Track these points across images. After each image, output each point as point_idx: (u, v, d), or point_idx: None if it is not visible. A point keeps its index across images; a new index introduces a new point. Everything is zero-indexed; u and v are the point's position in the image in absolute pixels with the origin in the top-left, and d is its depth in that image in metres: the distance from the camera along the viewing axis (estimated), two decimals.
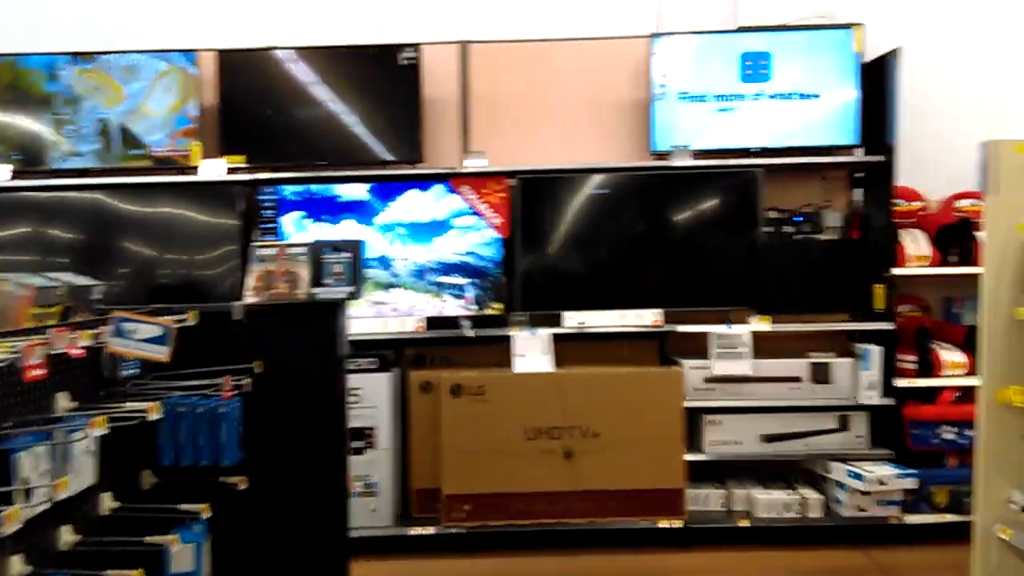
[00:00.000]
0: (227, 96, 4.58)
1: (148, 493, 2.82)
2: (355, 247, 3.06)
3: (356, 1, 4.92)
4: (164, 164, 4.59)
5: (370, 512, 4.47)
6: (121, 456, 2.64)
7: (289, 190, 4.57)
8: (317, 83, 4.60)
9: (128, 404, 2.41)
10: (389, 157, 4.62)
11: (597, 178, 4.57)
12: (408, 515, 4.54)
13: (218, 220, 4.53)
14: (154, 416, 2.38)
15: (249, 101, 4.60)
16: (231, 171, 4.52)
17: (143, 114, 4.60)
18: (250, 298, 3.08)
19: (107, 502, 2.57)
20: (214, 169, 4.48)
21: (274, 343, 3.00)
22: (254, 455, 2.89)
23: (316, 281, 3.04)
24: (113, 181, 4.54)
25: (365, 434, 4.46)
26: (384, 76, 4.61)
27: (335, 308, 3.01)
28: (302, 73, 4.60)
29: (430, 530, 4.42)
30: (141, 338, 2.45)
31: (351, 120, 4.61)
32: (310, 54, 4.60)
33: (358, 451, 4.45)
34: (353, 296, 3.05)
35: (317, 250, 3.07)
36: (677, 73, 4.58)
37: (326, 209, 4.58)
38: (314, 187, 4.57)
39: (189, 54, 4.59)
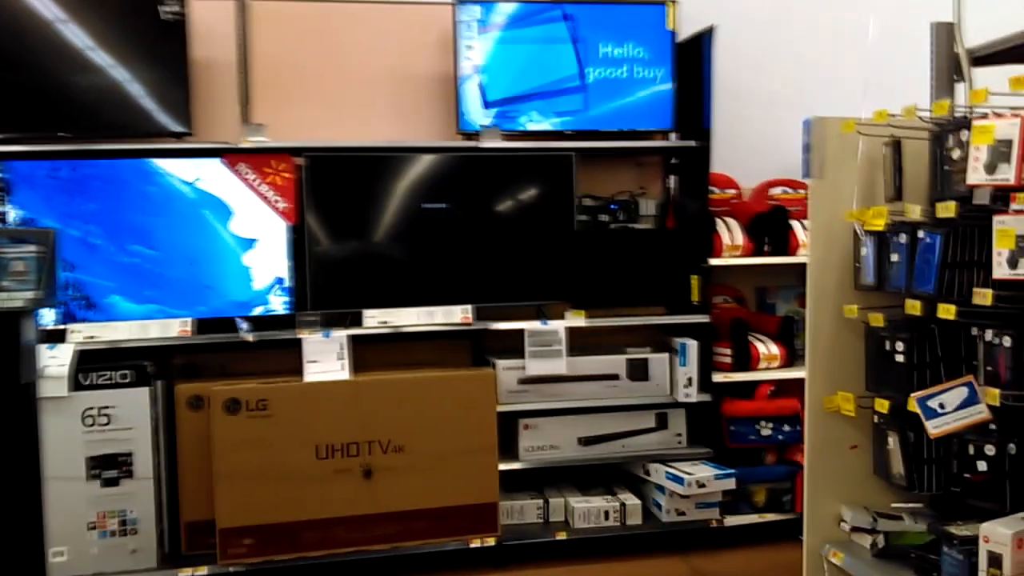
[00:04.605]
0: None
1: None
2: (45, 237, 2.03)
3: None
4: None
5: (129, 554, 3.37)
6: None
7: (22, 166, 3.38)
8: (54, 36, 3.42)
9: None
10: (151, 129, 3.52)
11: (399, 159, 3.67)
12: (178, 554, 3.48)
13: None
14: None
15: None
16: None
17: None
18: None
19: None
20: None
21: None
22: None
23: None
24: None
25: (120, 461, 3.35)
26: (143, 32, 3.49)
27: (13, 321, 1.96)
28: (33, 23, 3.41)
29: (203, 571, 3.38)
30: None
31: (102, 85, 3.45)
32: (49, 2, 3.42)
33: (111, 482, 3.36)
34: (40, 304, 2.01)
35: None
36: (484, 45, 3.79)
37: (72, 189, 3.42)
38: (57, 163, 3.41)
39: None
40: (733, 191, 4.07)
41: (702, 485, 3.71)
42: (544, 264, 3.78)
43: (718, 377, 3.86)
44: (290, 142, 3.58)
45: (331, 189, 3.61)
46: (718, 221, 3.93)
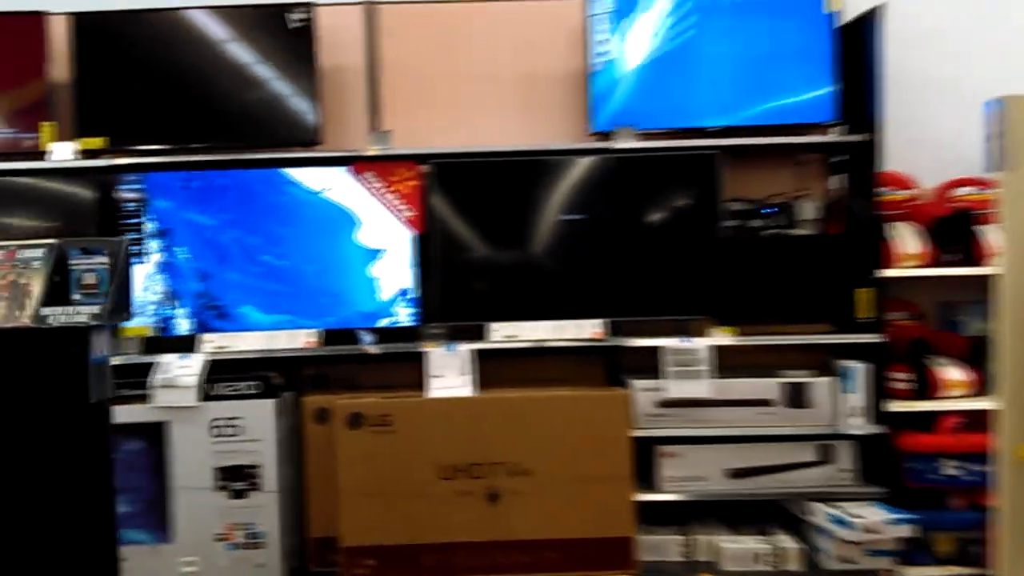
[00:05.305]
0: (83, 68, 3.45)
1: None
2: (116, 248, 1.90)
3: None
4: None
5: (255, 568, 3.30)
6: None
7: (161, 178, 3.43)
8: (191, 52, 3.42)
9: None
10: (280, 139, 3.47)
11: (527, 163, 3.42)
12: (305, 571, 3.38)
13: (63, 215, 3.39)
14: None
15: (110, 73, 3.44)
16: (87, 155, 3.38)
17: None
18: None
19: None
20: (60, 153, 3.34)
21: None
22: None
23: (55, 296, 1.88)
24: None
25: (247, 473, 3.29)
26: (271, 42, 3.46)
27: (80, 337, 1.84)
28: (172, 41, 3.43)
29: None
30: None
31: (233, 96, 3.45)
32: (180, 17, 3.43)
33: (239, 494, 3.30)
34: (106, 319, 1.88)
35: (60, 253, 1.92)
36: (619, 40, 3.48)
37: (206, 199, 3.44)
38: (190, 174, 3.43)
39: None
40: (909, 192, 3.52)
41: (873, 531, 3.18)
42: (686, 275, 3.41)
43: (894, 406, 3.32)
44: (417, 148, 3.43)
45: (457, 196, 3.42)
46: (892, 226, 3.40)
